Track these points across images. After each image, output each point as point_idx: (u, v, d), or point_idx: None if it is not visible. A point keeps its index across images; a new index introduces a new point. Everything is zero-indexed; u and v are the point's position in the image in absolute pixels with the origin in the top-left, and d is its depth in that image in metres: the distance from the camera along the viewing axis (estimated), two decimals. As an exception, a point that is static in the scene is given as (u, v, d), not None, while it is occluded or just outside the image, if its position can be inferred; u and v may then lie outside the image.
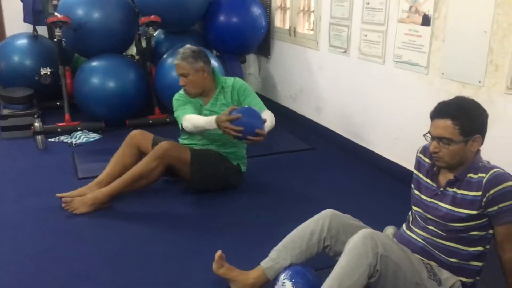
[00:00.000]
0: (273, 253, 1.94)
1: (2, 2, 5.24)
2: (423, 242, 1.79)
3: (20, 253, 2.32)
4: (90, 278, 2.12)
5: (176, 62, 2.85)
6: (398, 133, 3.24)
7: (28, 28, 4.83)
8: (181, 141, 3.05)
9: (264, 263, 1.94)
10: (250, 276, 1.95)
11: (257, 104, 2.88)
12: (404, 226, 1.92)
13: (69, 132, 4.04)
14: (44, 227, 2.56)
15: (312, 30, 4.31)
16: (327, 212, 1.92)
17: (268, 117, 2.79)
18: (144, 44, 4.60)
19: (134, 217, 2.70)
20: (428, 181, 1.82)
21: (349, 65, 3.69)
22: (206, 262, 2.14)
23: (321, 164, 3.58)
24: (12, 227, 2.56)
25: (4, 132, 4.01)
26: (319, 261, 1.99)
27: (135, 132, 2.99)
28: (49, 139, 3.90)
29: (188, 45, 2.93)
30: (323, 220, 1.90)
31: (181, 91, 2.95)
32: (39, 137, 3.75)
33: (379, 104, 3.41)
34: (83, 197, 2.73)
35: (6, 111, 4.09)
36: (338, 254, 1.85)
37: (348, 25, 3.64)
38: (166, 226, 2.61)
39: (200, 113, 2.89)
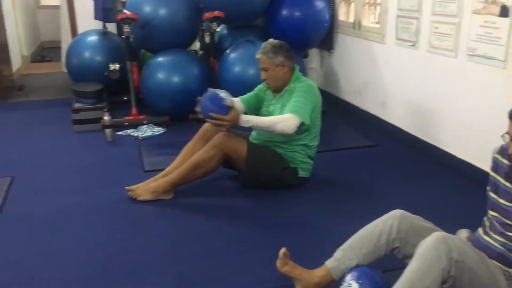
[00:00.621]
0: (338, 253, 1.90)
1: (75, 1, 5.49)
2: (502, 248, 1.67)
3: (88, 243, 2.41)
4: (152, 270, 2.17)
5: (257, 56, 2.88)
6: (471, 131, 3.07)
7: (98, 25, 5.03)
8: (250, 136, 3.05)
9: (329, 263, 1.90)
10: (315, 275, 1.91)
11: (291, 105, 2.75)
12: (480, 230, 1.81)
13: (135, 125, 4.17)
14: (111, 218, 2.65)
15: (377, 23, 4.17)
16: (397, 213, 1.85)
17: (275, 118, 2.72)
18: (207, 39, 4.65)
19: (195, 210, 2.74)
20: (508, 184, 1.70)
21: (417, 58, 3.54)
22: (268, 258, 2.13)
23: (386, 162, 3.46)
24: (78, 217, 2.67)
25: (75, 125, 4.20)
26: (386, 263, 1.92)
27: (207, 126, 2.97)
28: (117, 132, 4.05)
29: (270, 39, 2.94)
30: (392, 220, 1.82)
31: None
32: (108, 130, 3.90)
33: (450, 100, 3.24)
34: (147, 185, 2.83)
35: (77, 105, 4.28)
36: (407, 256, 1.78)
37: (417, 17, 3.48)
38: (227, 219, 2.63)
39: (267, 106, 2.94)
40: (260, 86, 3.05)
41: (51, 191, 3.00)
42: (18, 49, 6.74)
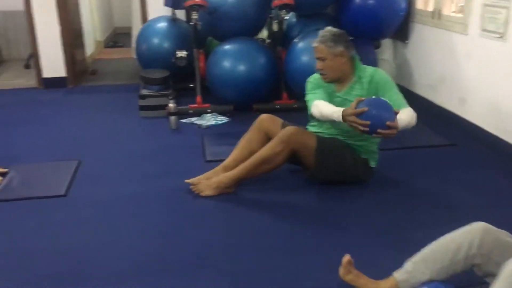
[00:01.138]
0: (409, 265, 1.73)
1: (146, -13, 5.54)
2: None
3: (146, 232, 2.39)
4: (209, 266, 2.10)
5: (314, 44, 2.71)
6: None
7: (168, 11, 5.04)
8: (309, 127, 2.92)
9: (399, 275, 1.73)
10: (381, 286, 1.76)
11: (397, 99, 2.60)
12: None
13: (199, 114, 4.15)
14: (170, 208, 2.62)
15: (460, 12, 3.85)
16: (478, 226, 1.65)
17: (407, 114, 2.54)
18: (275, 27, 4.52)
19: (256, 205, 2.65)
20: None
21: (505, 52, 3.21)
22: (330, 262, 2.00)
23: (463, 164, 3.19)
24: (140, 206, 2.66)
25: (141, 111, 4.24)
26: (463, 278, 1.73)
27: (264, 117, 2.89)
28: (181, 120, 4.04)
29: (329, 27, 2.76)
30: (473, 234, 1.63)
31: (316, 74, 2.82)
32: (172, 118, 3.89)
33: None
34: (209, 180, 2.76)
35: (144, 91, 4.32)
36: (489, 274, 1.59)
37: (507, 6, 3.15)
38: (288, 217, 2.51)
39: (331, 99, 2.74)
40: (315, 80, 2.82)
41: (115, 177, 3.03)
42: (92, 35, 6.96)
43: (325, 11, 4.61)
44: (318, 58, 2.70)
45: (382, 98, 2.51)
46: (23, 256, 2.18)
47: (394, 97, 2.61)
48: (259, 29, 4.65)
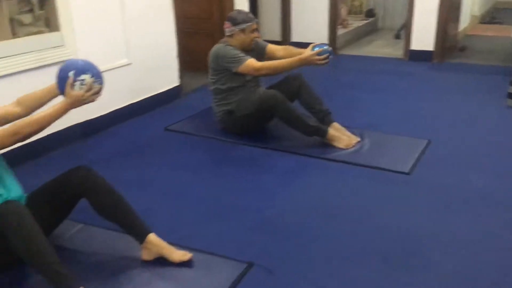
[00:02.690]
0: None
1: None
2: None
3: (484, 238, 2.08)
4: None
5: None
6: None
7: None
8: None
9: None
10: None
11: None
12: None
13: None
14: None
15: None
16: None
17: None
18: None
19: None
20: None
21: None
22: None
23: None
24: (490, 206, 2.34)
25: (510, 99, 3.71)
26: None
27: None
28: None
29: None
30: None
31: None
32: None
33: None
34: None
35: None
36: None
37: None
38: None
39: None
40: None
41: (464, 166, 2.76)
42: (470, 8, 6.51)
43: None
44: None
45: None
46: (361, 225, 2.24)
47: None
48: None
